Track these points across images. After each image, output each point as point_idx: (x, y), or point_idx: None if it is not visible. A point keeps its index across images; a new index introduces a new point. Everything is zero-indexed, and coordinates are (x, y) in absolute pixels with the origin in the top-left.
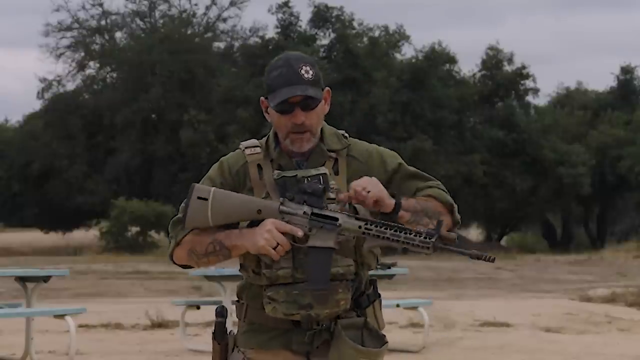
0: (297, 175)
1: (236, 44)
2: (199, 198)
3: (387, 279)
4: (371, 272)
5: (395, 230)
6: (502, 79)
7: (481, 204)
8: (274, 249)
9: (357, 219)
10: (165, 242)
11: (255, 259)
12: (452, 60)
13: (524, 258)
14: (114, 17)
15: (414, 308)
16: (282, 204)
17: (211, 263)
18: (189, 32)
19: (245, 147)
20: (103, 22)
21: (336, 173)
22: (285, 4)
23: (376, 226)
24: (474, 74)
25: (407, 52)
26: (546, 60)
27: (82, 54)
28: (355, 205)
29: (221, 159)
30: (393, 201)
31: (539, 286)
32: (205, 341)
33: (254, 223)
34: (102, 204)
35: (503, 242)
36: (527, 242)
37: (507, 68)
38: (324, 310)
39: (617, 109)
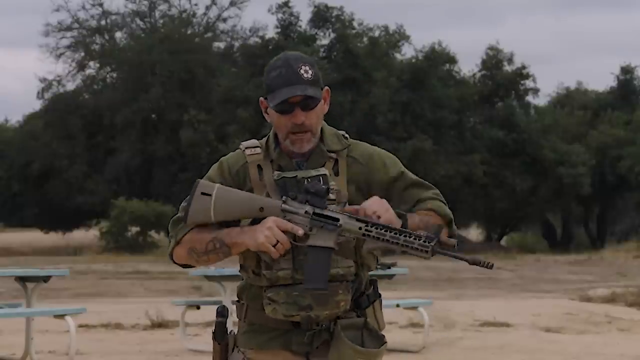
0: (297, 176)
1: (236, 44)
2: (202, 194)
3: (387, 279)
4: (371, 273)
5: (395, 233)
6: (502, 79)
7: (481, 204)
8: (274, 246)
9: (358, 220)
10: (165, 242)
11: (255, 260)
12: (452, 60)
13: (524, 258)
14: (114, 17)
15: (414, 308)
16: (284, 202)
17: (211, 261)
18: (189, 32)
19: (246, 148)
20: (103, 22)
21: (336, 174)
22: (285, 4)
23: (376, 228)
24: (474, 74)
25: (407, 52)
26: (546, 60)
27: (82, 54)
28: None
29: (221, 159)
30: (400, 222)
31: (539, 286)
32: (205, 341)
33: (256, 221)
34: (102, 204)
35: (503, 242)
36: (527, 242)
37: (507, 68)
38: (324, 312)
39: (617, 109)
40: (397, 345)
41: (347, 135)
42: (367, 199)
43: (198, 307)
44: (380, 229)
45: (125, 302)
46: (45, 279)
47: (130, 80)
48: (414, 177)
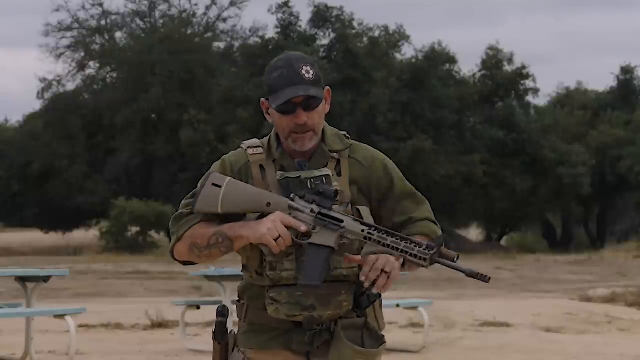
0: (300, 176)
1: (236, 44)
2: (213, 184)
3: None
4: None
5: (397, 239)
6: (502, 79)
7: (481, 204)
8: (275, 240)
9: (361, 223)
10: (165, 242)
11: (258, 260)
12: (452, 60)
13: (524, 258)
14: (114, 17)
15: (414, 308)
16: (292, 200)
17: (213, 256)
18: (189, 32)
19: (248, 147)
20: (103, 22)
21: (339, 174)
22: (285, 4)
23: (379, 232)
24: (474, 74)
25: (407, 52)
26: (546, 60)
27: (82, 54)
28: (359, 208)
29: (223, 157)
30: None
31: (539, 286)
32: (205, 341)
33: (261, 217)
34: (102, 204)
35: (503, 242)
36: (527, 242)
37: (507, 68)
38: (327, 312)
39: (617, 109)
40: (397, 345)
41: (348, 136)
42: (368, 200)
43: (198, 307)
44: (382, 234)
45: (125, 302)
46: (45, 279)
47: (130, 80)
48: (410, 187)
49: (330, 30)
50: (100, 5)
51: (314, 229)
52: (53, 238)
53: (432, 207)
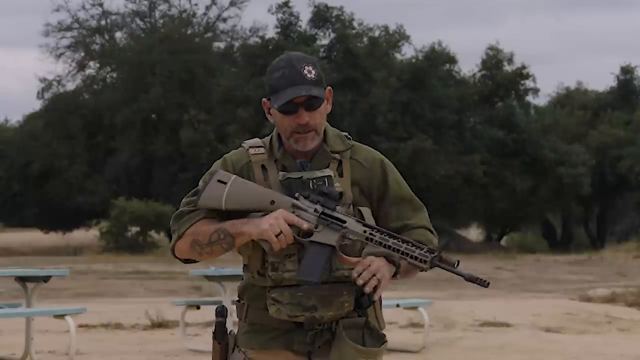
0: (302, 177)
1: (236, 44)
2: (218, 181)
3: None
4: None
5: (398, 241)
6: (502, 79)
7: (481, 204)
8: (277, 236)
9: (364, 224)
10: (165, 242)
11: (260, 260)
12: (452, 60)
13: (524, 258)
14: (114, 17)
15: (414, 308)
16: (296, 199)
17: (214, 253)
18: (189, 32)
19: (249, 147)
20: (103, 22)
21: (340, 175)
22: (285, 4)
23: (381, 234)
24: (474, 74)
25: (407, 52)
26: (546, 60)
27: (82, 54)
28: (360, 209)
29: (224, 155)
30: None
31: (539, 286)
32: (205, 341)
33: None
34: (102, 204)
35: (503, 242)
36: (527, 242)
37: (507, 68)
38: (329, 312)
39: (617, 109)
40: (397, 345)
41: (349, 137)
42: (369, 201)
43: (198, 307)
44: (384, 235)
45: (125, 302)
46: (45, 279)
47: (130, 80)
48: (407, 191)
49: (330, 30)
50: (100, 5)
51: (316, 228)
52: (53, 238)
53: (432, 207)
